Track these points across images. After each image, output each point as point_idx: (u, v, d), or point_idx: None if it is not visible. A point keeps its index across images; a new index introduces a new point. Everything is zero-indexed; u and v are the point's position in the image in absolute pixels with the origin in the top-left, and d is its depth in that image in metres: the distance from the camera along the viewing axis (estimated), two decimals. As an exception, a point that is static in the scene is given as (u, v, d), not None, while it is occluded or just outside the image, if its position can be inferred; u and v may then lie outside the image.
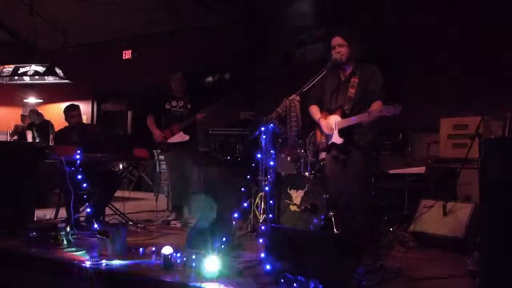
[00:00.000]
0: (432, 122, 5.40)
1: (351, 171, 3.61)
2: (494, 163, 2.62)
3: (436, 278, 3.09)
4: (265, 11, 8.17)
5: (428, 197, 4.52)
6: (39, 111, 9.81)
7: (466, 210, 4.06)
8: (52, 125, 9.20)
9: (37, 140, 8.83)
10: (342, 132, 3.58)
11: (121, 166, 6.39)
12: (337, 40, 3.63)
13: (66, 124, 5.41)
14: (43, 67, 10.32)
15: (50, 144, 8.39)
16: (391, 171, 5.03)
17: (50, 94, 11.45)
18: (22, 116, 10.00)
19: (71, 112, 5.23)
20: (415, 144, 6.21)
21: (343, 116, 3.59)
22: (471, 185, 4.32)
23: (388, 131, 5.93)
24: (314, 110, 3.86)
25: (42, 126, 9.18)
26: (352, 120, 3.51)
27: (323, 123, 3.73)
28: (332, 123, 3.65)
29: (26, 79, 10.66)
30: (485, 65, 6.02)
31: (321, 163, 4.81)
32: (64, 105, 11.62)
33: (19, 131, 9.37)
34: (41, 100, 11.60)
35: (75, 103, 5.58)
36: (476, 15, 6.21)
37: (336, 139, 3.61)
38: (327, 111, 3.76)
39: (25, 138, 9.05)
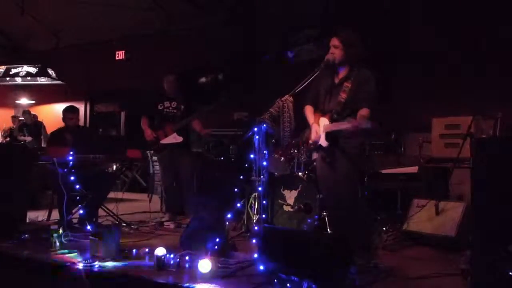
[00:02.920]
0: (425, 122, 5.43)
1: (338, 173, 3.61)
2: (485, 162, 2.64)
3: (429, 277, 3.11)
4: (258, 11, 8.18)
5: (420, 196, 4.54)
6: (33, 112, 9.77)
7: (458, 209, 4.09)
8: (44, 127, 9.16)
9: (27, 141, 8.78)
10: (328, 136, 3.59)
11: (114, 167, 6.37)
12: (333, 41, 3.62)
13: (59, 125, 5.38)
14: (35, 68, 10.29)
15: (41, 145, 8.36)
16: (384, 171, 5.05)
17: (43, 95, 11.39)
18: (13, 118, 9.91)
19: (70, 115, 5.22)
20: (407, 143, 6.23)
21: (331, 120, 3.60)
22: (463, 184, 4.34)
23: (381, 131, 5.95)
24: (308, 112, 3.85)
25: (34, 126, 9.13)
26: (335, 126, 3.52)
27: (314, 128, 3.74)
28: (321, 126, 3.66)
29: (18, 80, 10.61)
30: (477, 65, 6.07)
31: (314, 163, 4.82)
32: (56, 106, 11.63)
33: (12, 134, 9.31)
34: (34, 101, 11.54)
35: (71, 104, 5.58)
36: (469, 15, 6.26)
37: (323, 142, 3.61)
38: (321, 112, 3.76)
39: (17, 141, 9.00)
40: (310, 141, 3.74)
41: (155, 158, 6.52)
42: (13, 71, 10.43)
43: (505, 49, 5.86)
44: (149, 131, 5.34)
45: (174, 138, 5.28)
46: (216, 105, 5.49)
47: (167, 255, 3.16)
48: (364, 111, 3.47)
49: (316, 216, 4.29)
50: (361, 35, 3.66)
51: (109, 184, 5.23)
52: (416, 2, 6.77)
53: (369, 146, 5.41)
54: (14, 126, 9.52)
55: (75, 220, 4.73)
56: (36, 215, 4.78)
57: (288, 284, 2.68)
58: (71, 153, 4.36)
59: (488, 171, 2.61)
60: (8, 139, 9.27)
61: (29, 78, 10.41)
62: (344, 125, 3.46)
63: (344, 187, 3.58)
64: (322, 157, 3.71)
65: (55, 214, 4.78)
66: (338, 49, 3.57)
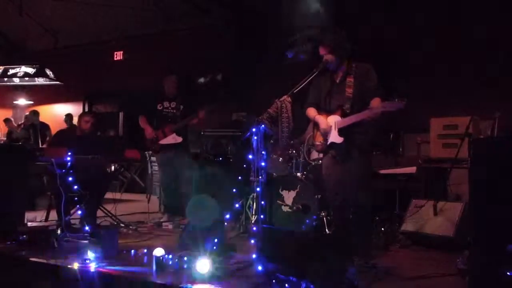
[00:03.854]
0: (423, 122, 5.44)
1: (350, 171, 3.59)
2: (483, 162, 2.64)
3: (427, 277, 3.12)
4: (257, 11, 8.18)
5: (419, 196, 4.55)
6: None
7: (456, 210, 4.09)
8: (49, 128, 9.10)
9: (31, 142, 8.73)
10: (341, 131, 3.58)
11: (113, 167, 6.36)
12: (321, 51, 3.66)
13: (57, 125, 5.40)
14: (33, 68, 10.25)
15: (40, 146, 8.32)
16: (383, 171, 5.05)
17: (41, 95, 11.37)
18: (6, 121, 9.78)
19: (86, 117, 5.21)
20: (406, 144, 6.24)
21: (343, 115, 3.58)
22: (461, 184, 4.35)
23: (380, 131, 5.96)
24: (311, 111, 3.86)
25: (41, 128, 9.05)
26: (354, 118, 3.51)
27: (320, 119, 3.72)
28: (331, 122, 3.65)
29: (16, 80, 10.58)
30: (474, 65, 6.08)
31: (313, 163, 4.82)
32: (55, 106, 11.59)
33: (11, 136, 9.26)
34: (32, 102, 11.51)
35: (67, 105, 5.60)
36: (465, 15, 6.27)
37: (336, 138, 3.60)
38: (325, 112, 3.76)
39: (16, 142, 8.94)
40: (322, 133, 3.71)
41: (153, 158, 6.51)
42: (11, 71, 10.40)
43: (504, 49, 5.88)
44: (149, 129, 5.33)
45: (173, 139, 5.27)
46: (216, 105, 5.49)
47: (166, 256, 3.16)
48: (376, 101, 3.49)
49: (315, 217, 4.29)
50: (344, 30, 3.69)
51: (104, 183, 5.21)
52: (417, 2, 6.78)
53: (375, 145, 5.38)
54: (16, 128, 9.46)
55: (73, 221, 4.71)
56: (34, 216, 4.77)
57: (286, 285, 2.68)
58: (69, 153, 4.35)
59: (486, 171, 2.61)
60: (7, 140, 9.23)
61: (27, 78, 10.37)
62: (362, 115, 3.46)
63: (357, 186, 3.56)
64: (333, 155, 3.69)
65: (53, 215, 4.77)
66: (329, 54, 3.61)
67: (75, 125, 7.61)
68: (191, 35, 9.06)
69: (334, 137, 3.61)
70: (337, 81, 3.71)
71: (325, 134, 3.67)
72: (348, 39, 3.69)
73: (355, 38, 3.82)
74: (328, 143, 3.65)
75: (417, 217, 4.29)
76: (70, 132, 5.25)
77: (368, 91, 3.57)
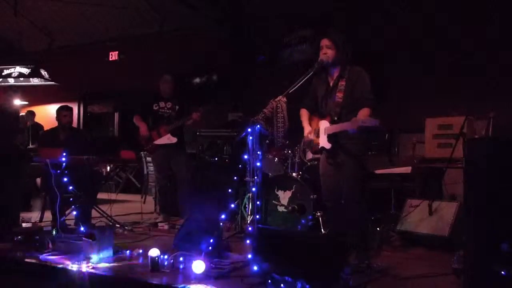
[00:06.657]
0: (418, 122, 5.46)
1: (341, 174, 3.60)
2: (478, 162, 2.65)
3: (422, 276, 3.13)
4: (252, 12, 8.18)
5: (414, 196, 4.56)
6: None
7: (451, 209, 4.11)
8: (42, 128, 9.07)
9: (26, 142, 8.68)
10: (330, 137, 3.59)
11: (108, 168, 6.34)
12: (324, 42, 3.63)
13: (52, 126, 5.36)
14: (28, 68, 10.21)
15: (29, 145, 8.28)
16: (378, 171, 5.06)
17: (36, 96, 11.32)
18: None
19: (64, 112, 5.22)
20: (401, 144, 6.26)
21: (331, 122, 3.60)
22: (456, 184, 4.36)
23: (375, 131, 5.97)
24: (302, 114, 3.88)
25: (34, 128, 9.02)
26: (337, 127, 3.52)
27: (305, 125, 3.80)
28: (322, 127, 3.66)
29: (11, 81, 10.54)
30: (470, 66, 6.10)
31: (308, 163, 4.83)
32: (50, 107, 11.52)
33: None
34: (26, 102, 11.46)
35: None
36: (464, 15, 6.30)
37: (325, 144, 3.61)
38: (319, 115, 3.77)
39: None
40: (305, 145, 3.74)
41: (149, 159, 6.50)
42: (6, 72, 10.36)
43: (501, 49, 5.91)
44: (143, 126, 5.32)
45: (168, 139, 5.27)
46: (210, 106, 5.49)
47: (161, 256, 3.15)
48: (364, 111, 3.47)
49: (310, 217, 4.30)
50: (351, 36, 3.69)
51: (96, 183, 5.19)
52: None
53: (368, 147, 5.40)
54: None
55: (68, 222, 4.70)
56: (29, 217, 4.76)
57: (282, 285, 2.68)
58: (64, 154, 4.33)
59: (480, 171, 2.62)
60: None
61: (21, 79, 10.33)
62: (346, 125, 3.44)
63: (349, 187, 3.57)
64: (326, 157, 3.71)
65: (48, 216, 4.75)
66: (330, 49, 3.59)
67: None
68: (187, 35, 9.05)
69: (324, 142, 3.62)
70: (331, 84, 3.70)
71: (309, 143, 3.71)
72: (349, 44, 3.67)
73: (354, 38, 3.79)
74: (320, 147, 3.67)
75: (412, 217, 4.30)
76: (53, 133, 5.22)
77: (360, 97, 3.54)
